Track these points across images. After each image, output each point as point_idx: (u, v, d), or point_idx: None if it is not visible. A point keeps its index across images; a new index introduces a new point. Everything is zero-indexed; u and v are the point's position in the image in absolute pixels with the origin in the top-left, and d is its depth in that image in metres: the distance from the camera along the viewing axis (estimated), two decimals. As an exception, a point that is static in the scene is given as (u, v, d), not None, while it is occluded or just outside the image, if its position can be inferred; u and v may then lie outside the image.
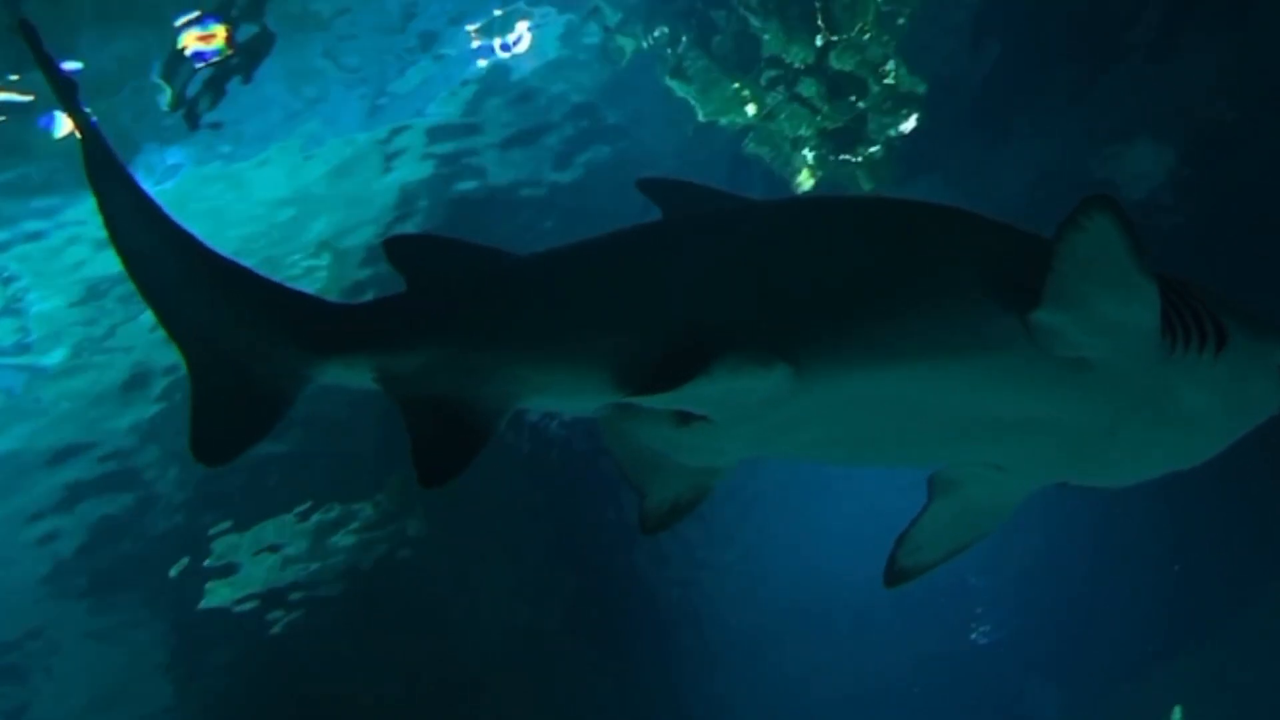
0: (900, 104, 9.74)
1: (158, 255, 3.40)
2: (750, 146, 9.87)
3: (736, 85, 9.51)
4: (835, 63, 9.41)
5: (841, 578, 12.43)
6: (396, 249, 3.69)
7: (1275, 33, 9.29)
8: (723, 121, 9.70)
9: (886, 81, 9.55)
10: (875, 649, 14.11)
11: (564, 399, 3.40)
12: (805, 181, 10.11)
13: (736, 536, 12.49)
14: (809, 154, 10.00)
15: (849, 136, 9.89)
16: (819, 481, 11.10)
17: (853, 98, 9.63)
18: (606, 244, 3.59)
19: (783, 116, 9.73)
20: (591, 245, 3.59)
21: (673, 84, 9.41)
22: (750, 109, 9.68)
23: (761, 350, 3.10)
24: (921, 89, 9.58)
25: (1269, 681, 15.05)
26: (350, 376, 3.46)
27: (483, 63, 8.81)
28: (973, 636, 14.37)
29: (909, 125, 9.84)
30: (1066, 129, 9.96)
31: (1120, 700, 15.06)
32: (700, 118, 9.62)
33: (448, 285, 3.54)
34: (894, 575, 3.73)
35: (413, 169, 9.25)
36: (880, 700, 14.93)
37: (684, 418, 3.26)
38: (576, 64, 8.98)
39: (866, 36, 9.24)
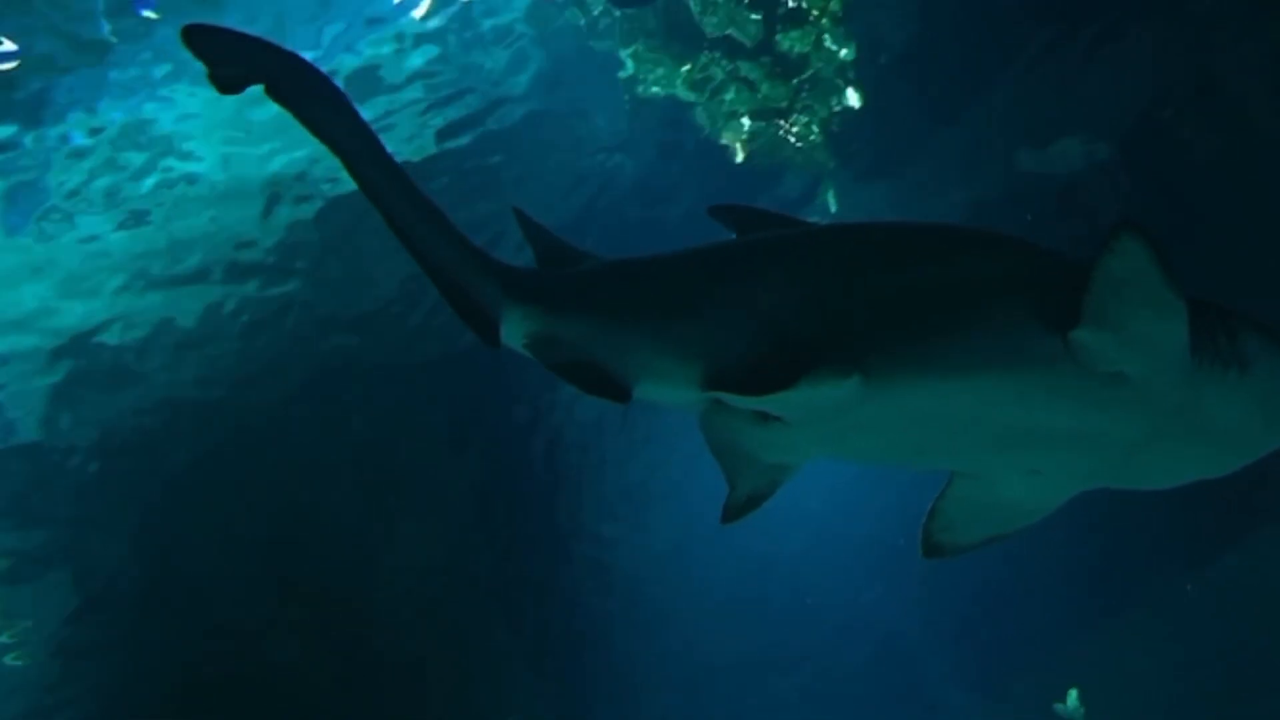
0: (840, 82, 9.80)
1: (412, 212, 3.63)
2: (694, 116, 9.89)
3: (676, 57, 9.51)
4: (779, 39, 9.45)
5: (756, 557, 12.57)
6: (524, 221, 4.06)
7: (1209, 31, 9.47)
8: (661, 92, 9.70)
9: (828, 55, 9.60)
10: (783, 631, 14.28)
11: (670, 388, 3.71)
12: (739, 154, 10.15)
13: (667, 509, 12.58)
14: (746, 124, 10.03)
15: (787, 111, 9.94)
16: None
17: (795, 80, 9.69)
18: (713, 254, 3.95)
19: (725, 92, 9.76)
20: (699, 254, 3.95)
21: (619, 55, 9.40)
22: (689, 79, 9.69)
23: (840, 362, 3.43)
24: (852, 55, 9.64)
25: (1160, 664, 15.51)
26: (516, 330, 3.75)
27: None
28: (879, 621, 14.51)
29: (848, 103, 9.91)
30: (998, 118, 10.08)
31: (1021, 682, 15.39)
32: (639, 89, 9.62)
33: (584, 267, 3.94)
34: (929, 548, 4.01)
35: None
36: (790, 682, 15.14)
37: (763, 416, 3.59)
38: (513, 33, 8.96)
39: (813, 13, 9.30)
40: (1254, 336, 3.57)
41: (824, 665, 15.00)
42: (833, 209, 10.69)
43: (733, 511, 3.90)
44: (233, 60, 3.39)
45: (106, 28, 7.86)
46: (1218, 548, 14.18)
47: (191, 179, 9.14)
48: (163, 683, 11.91)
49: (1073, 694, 14.75)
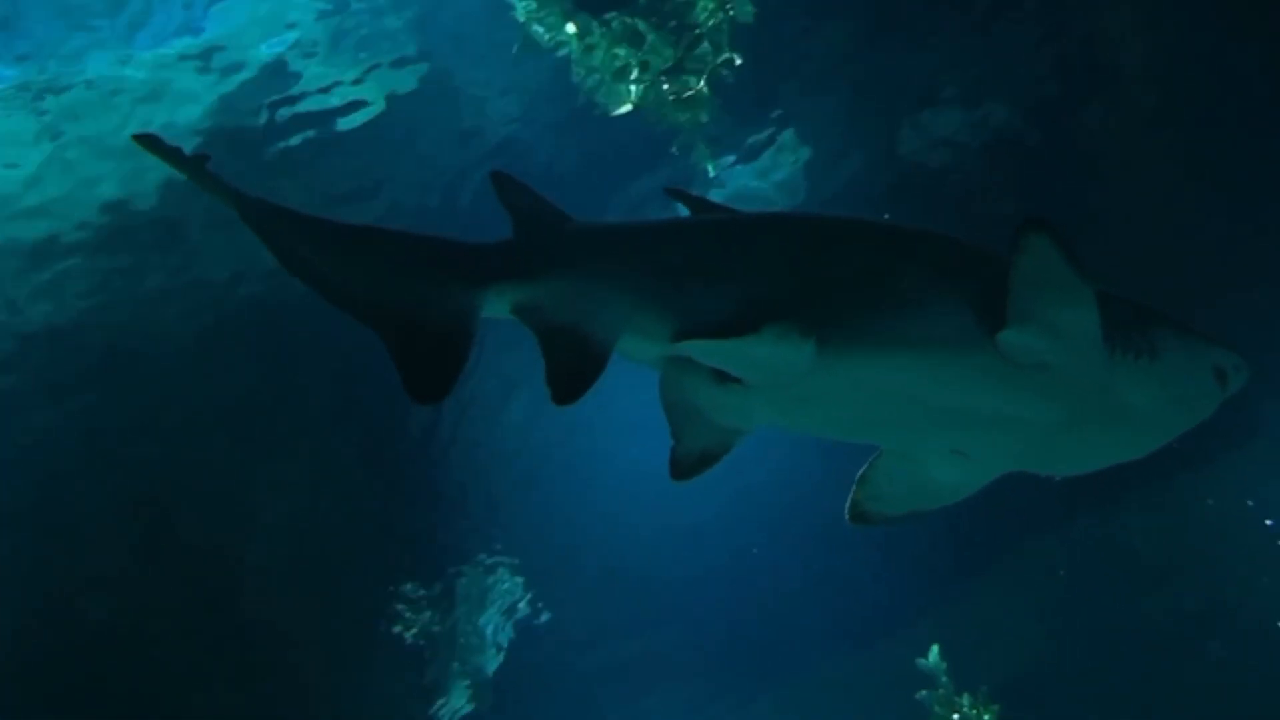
0: (729, 38, 9.80)
1: (329, 263, 3.84)
2: (577, 74, 9.80)
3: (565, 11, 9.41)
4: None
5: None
6: (502, 185, 4.11)
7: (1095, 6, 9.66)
8: (548, 43, 9.59)
9: (718, 15, 9.58)
10: (659, 594, 14.43)
11: (647, 341, 3.85)
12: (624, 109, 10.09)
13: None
14: (633, 86, 9.97)
15: (674, 68, 9.90)
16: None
17: (675, 24, 9.64)
18: (693, 224, 4.24)
19: (607, 45, 9.68)
20: (681, 223, 4.25)
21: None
22: (573, 31, 9.59)
23: (800, 325, 3.65)
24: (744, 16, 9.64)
25: (1014, 618, 16.08)
26: (498, 306, 3.85)
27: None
28: (742, 576, 14.66)
29: (736, 60, 9.91)
30: (881, 89, 10.19)
31: (884, 639, 15.78)
32: (525, 40, 9.50)
33: (562, 228, 4.04)
34: (856, 515, 4.24)
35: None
36: (667, 644, 15.32)
37: (722, 377, 3.81)
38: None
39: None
40: (1162, 327, 3.86)
41: (695, 626, 15.18)
42: (710, 174, 10.72)
43: (683, 469, 4.08)
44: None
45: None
46: (1077, 510, 14.69)
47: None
48: (20, 641, 11.52)
49: (934, 649, 15.18)
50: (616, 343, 3.82)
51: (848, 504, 4.21)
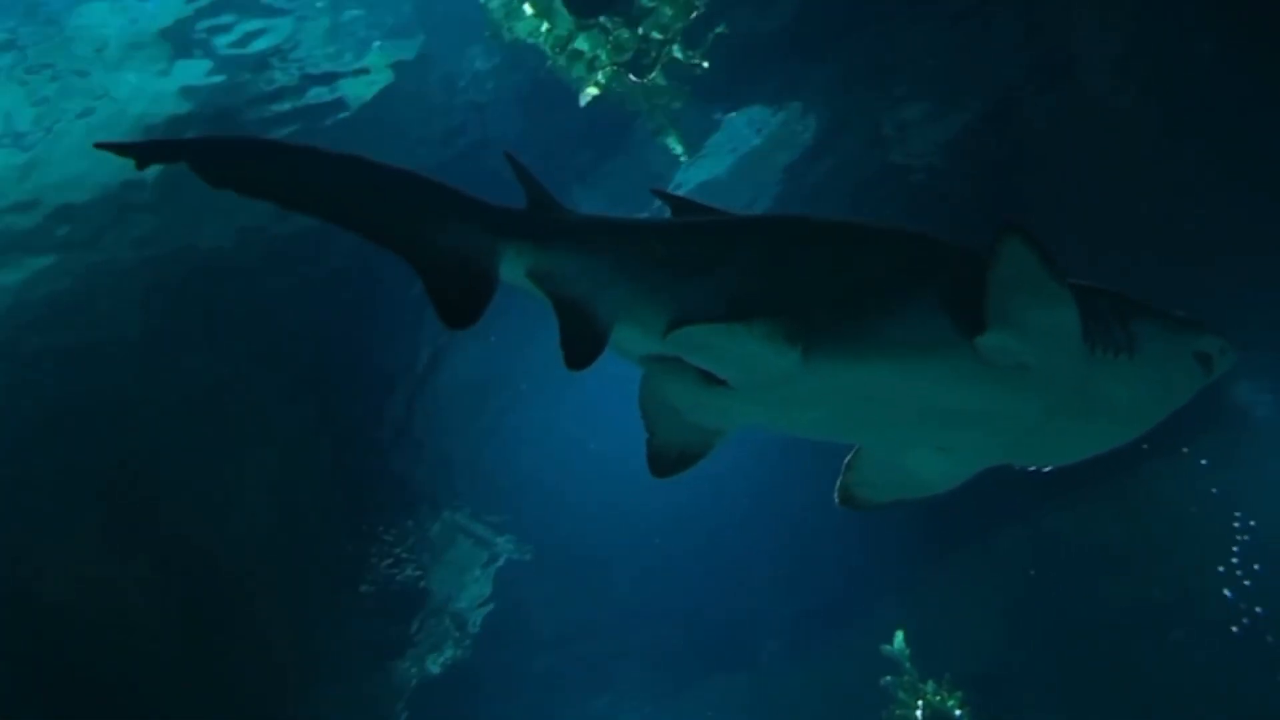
0: (694, 31, 9.76)
1: (359, 195, 3.77)
2: (553, 64, 9.77)
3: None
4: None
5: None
6: (515, 166, 4.04)
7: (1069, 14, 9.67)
8: (525, 39, 9.56)
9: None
10: (613, 588, 14.44)
11: (641, 333, 3.86)
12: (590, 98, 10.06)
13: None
14: (600, 75, 9.94)
15: (640, 57, 9.86)
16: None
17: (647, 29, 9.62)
18: (683, 223, 4.23)
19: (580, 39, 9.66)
20: (673, 221, 4.26)
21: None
22: (545, 27, 9.56)
23: (787, 327, 3.69)
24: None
25: (980, 608, 16.22)
26: (515, 266, 3.86)
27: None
28: (718, 564, 14.72)
29: (701, 52, 9.88)
30: (860, 85, 10.16)
31: (847, 629, 15.87)
32: (505, 36, 9.48)
33: (566, 215, 4.01)
34: (844, 499, 4.29)
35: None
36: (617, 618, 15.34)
37: (709, 379, 3.84)
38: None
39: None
40: (1142, 319, 3.89)
41: (659, 611, 15.23)
42: (683, 161, 10.70)
43: (662, 464, 4.14)
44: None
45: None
46: (1043, 500, 14.80)
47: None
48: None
49: (898, 635, 15.27)
50: (614, 326, 3.84)
51: (837, 487, 4.25)
